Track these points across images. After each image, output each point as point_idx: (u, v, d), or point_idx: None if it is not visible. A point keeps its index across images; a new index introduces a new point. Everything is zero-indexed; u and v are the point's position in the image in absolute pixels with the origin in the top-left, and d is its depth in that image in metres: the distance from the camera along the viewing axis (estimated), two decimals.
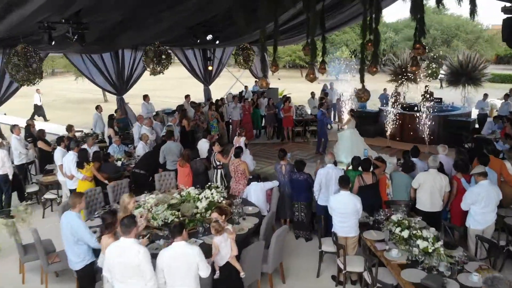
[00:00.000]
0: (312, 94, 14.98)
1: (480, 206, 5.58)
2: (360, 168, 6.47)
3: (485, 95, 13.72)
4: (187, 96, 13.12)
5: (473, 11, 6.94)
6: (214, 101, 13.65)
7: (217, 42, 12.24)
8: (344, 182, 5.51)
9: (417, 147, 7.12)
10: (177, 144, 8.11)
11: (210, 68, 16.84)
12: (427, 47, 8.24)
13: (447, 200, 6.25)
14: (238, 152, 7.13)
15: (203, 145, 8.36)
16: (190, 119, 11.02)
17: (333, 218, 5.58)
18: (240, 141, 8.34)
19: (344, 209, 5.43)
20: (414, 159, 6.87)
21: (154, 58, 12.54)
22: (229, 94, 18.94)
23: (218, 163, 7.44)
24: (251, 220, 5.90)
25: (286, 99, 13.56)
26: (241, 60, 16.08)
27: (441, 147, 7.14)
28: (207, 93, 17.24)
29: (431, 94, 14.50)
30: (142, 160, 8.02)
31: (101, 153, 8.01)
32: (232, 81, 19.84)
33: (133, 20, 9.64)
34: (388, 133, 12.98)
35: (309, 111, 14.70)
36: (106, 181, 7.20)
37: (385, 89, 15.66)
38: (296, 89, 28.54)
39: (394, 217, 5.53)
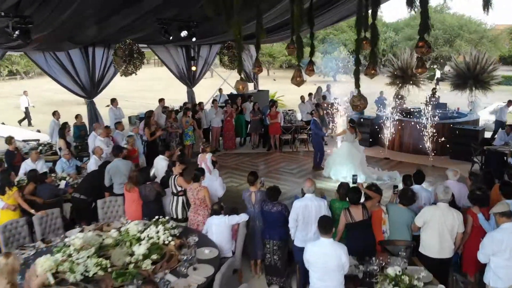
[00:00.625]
0: (302, 98, 13.55)
1: (504, 257, 4.19)
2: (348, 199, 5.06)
3: (511, 102, 12.28)
4: (161, 100, 11.70)
5: (487, 3, 5.79)
6: (191, 105, 12.17)
7: (194, 39, 10.82)
8: (325, 227, 4.09)
9: (421, 172, 5.67)
10: (126, 162, 6.64)
11: (193, 68, 15.43)
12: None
13: (459, 243, 4.86)
14: (198, 176, 5.70)
15: (159, 164, 6.87)
16: (158, 127, 9.60)
17: (310, 273, 4.18)
18: (205, 159, 6.82)
19: (324, 263, 4.03)
20: (416, 187, 5.46)
21: (124, 57, 11.21)
22: (215, 96, 17.58)
23: (179, 188, 6.00)
24: (205, 271, 4.49)
25: (273, 103, 12.16)
26: (227, 60, 14.69)
27: (452, 172, 5.71)
28: (191, 96, 15.85)
29: (437, 98, 13.12)
30: (84, 181, 6.61)
31: (37, 171, 6.58)
32: (221, 82, 18.42)
33: (92, 13, 8.25)
34: (386, 142, 11.58)
35: (299, 117, 13.29)
36: (32, 210, 5.79)
37: (381, 92, 14.22)
38: (290, 91, 27.06)
39: (391, 270, 4.15)
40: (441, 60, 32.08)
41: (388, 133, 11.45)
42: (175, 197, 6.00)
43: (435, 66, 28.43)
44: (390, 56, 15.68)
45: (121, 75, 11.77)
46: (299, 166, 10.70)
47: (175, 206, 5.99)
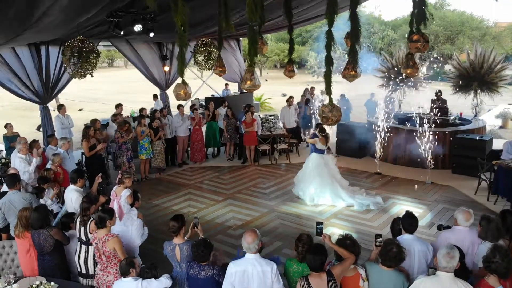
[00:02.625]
0: (289, 101, 11.90)
1: None
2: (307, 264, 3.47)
3: None
4: (118, 106, 10.09)
5: None
6: (149, 111, 10.52)
7: (151, 34, 9.23)
8: None
9: (412, 216, 4.00)
10: (24, 196, 4.98)
11: (166, 68, 13.87)
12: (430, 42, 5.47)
13: None
14: (104, 219, 4.10)
15: (68, 196, 5.14)
16: (108, 138, 8.01)
17: None
18: (121, 195, 4.92)
19: None
20: (407, 238, 3.87)
21: (71, 56, 9.62)
22: (194, 99, 16.00)
23: (90, 236, 4.39)
24: None
25: (248, 109, 10.56)
26: (201, 60, 13.06)
27: (463, 214, 4.00)
28: (164, 99, 14.29)
29: (444, 102, 11.49)
30: None
31: None
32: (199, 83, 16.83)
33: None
34: (378, 154, 9.98)
35: (281, 124, 11.66)
36: None
37: (372, 94, 12.64)
38: (280, 92, 25.68)
39: None
40: (441, 59, 30.48)
41: (380, 142, 9.86)
42: (84, 246, 4.40)
43: (434, 66, 26.78)
44: (383, 54, 14.05)
45: (73, 78, 10.18)
46: (277, 183, 9.09)
47: (84, 258, 4.39)
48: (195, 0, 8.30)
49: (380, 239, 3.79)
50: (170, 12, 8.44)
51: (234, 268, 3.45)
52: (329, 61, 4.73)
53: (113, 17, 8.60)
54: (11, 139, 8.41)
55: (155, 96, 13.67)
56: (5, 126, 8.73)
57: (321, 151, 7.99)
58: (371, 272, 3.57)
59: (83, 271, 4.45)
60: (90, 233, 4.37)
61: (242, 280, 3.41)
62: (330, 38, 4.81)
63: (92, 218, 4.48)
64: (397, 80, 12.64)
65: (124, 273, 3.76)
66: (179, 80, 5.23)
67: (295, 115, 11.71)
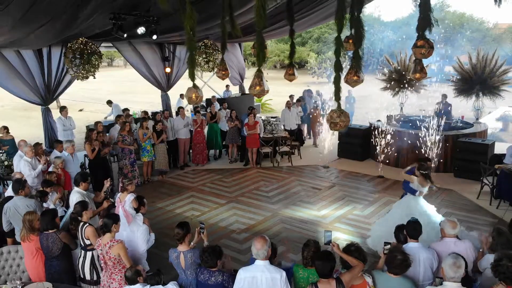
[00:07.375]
0: (288, 103, 11.93)
1: None
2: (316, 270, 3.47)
3: None
4: (125, 110, 10.05)
5: None
6: (151, 113, 10.48)
7: (154, 37, 9.22)
8: None
9: (415, 221, 4.01)
10: (29, 203, 4.93)
11: (168, 70, 13.85)
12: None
13: None
14: (109, 224, 4.10)
15: (72, 200, 5.08)
16: (103, 142, 7.98)
17: None
18: (125, 200, 4.90)
19: None
20: (412, 246, 3.86)
21: (73, 58, 9.59)
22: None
23: (88, 241, 4.38)
24: None
25: (251, 111, 10.55)
26: (202, 61, 13.02)
27: (448, 223, 3.99)
28: (165, 101, 14.27)
29: (448, 105, 11.49)
30: None
31: None
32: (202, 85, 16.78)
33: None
34: (380, 157, 9.99)
35: (282, 126, 11.66)
36: None
37: (349, 91, 12.96)
38: (280, 93, 25.57)
39: None
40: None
41: (382, 145, 9.86)
42: (83, 252, 4.39)
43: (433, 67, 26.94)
44: (385, 56, 14.03)
45: (77, 79, 10.16)
46: (279, 186, 9.08)
47: (82, 263, 4.37)
48: (198, 4, 8.36)
49: (388, 247, 3.79)
50: (172, 13, 8.46)
51: (243, 274, 3.45)
52: (338, 67, 4.70)
53: (116, 20, 8.60)
54: (8, 142, 8.35)
55: (109, 102, 13.28)
56: (4, 128, 8.66)
57: (413, 191, 5.85)
58: (379, 280, 3.56)
59: (81, 276, 4.44)
60: (87, 239, 4.35)
61: (251, 286, 3.41)
62: (339, 44, 4.78)
63: (87, 224, 4.44)
64: (400, 83, 12.63)
65: (132, 282, 3.75)
66: (189, 84, 5.18)
67: (297, 117, 11.74)
